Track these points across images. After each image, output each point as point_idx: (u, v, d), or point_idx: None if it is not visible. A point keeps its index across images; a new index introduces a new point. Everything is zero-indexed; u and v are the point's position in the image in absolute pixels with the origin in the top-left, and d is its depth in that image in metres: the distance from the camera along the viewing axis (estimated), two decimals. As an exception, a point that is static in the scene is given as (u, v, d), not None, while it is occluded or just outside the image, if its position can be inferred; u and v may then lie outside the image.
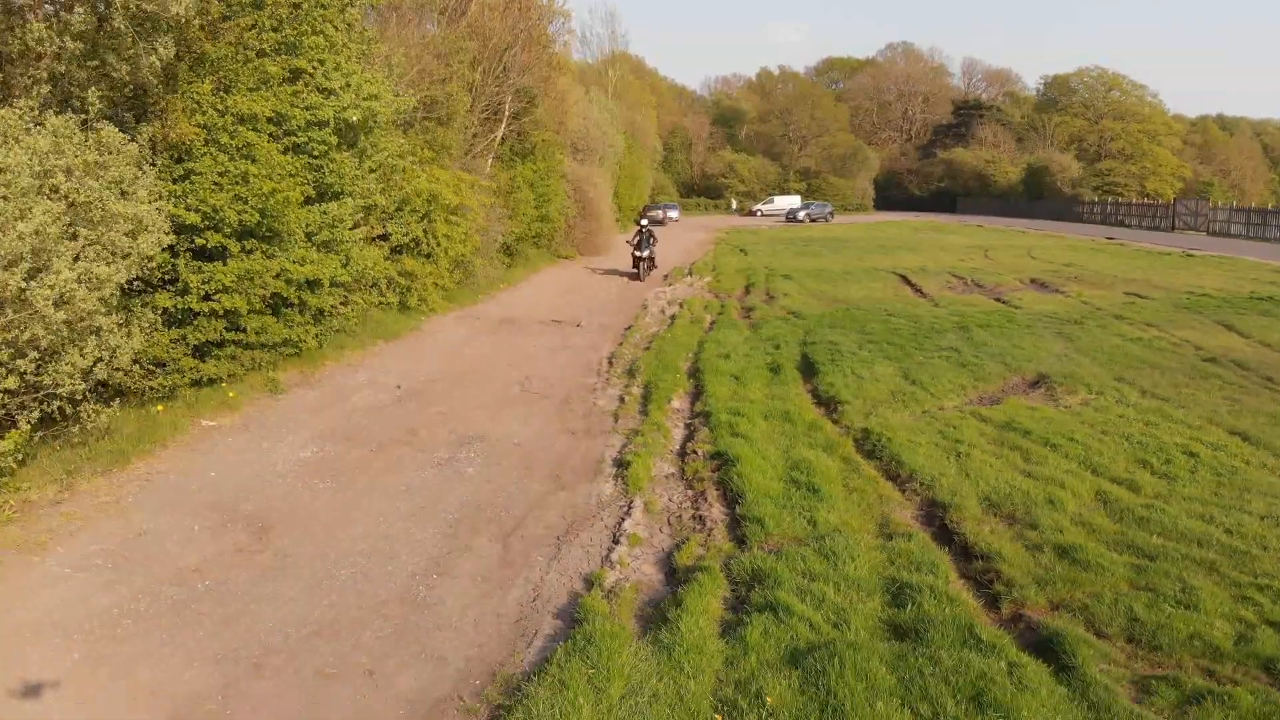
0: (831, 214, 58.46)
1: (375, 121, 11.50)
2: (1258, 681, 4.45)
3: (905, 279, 22.00)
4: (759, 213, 63.42)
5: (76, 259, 6.52)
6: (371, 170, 11.97)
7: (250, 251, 9.57)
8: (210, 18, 8.98)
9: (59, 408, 6.83)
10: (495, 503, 7.20)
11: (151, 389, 8.70)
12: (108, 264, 6.74)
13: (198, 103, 9.25)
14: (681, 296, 19.35)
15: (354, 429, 9.05)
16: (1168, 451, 7.92)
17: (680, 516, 6.94)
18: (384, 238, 14.06)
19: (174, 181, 9.00)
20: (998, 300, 18.33)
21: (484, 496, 7.33)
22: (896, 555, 5.88)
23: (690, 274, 23.98)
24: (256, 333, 9.78)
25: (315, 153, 10.43)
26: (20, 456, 6.66)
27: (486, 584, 5.79)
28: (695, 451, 8.27)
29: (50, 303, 6.03)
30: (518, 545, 6.40)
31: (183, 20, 8.15)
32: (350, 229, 11.16)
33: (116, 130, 7.47)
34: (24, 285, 5.90)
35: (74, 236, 6.70)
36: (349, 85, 10.81)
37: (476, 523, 6.78)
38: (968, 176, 74.19)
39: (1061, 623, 4.99)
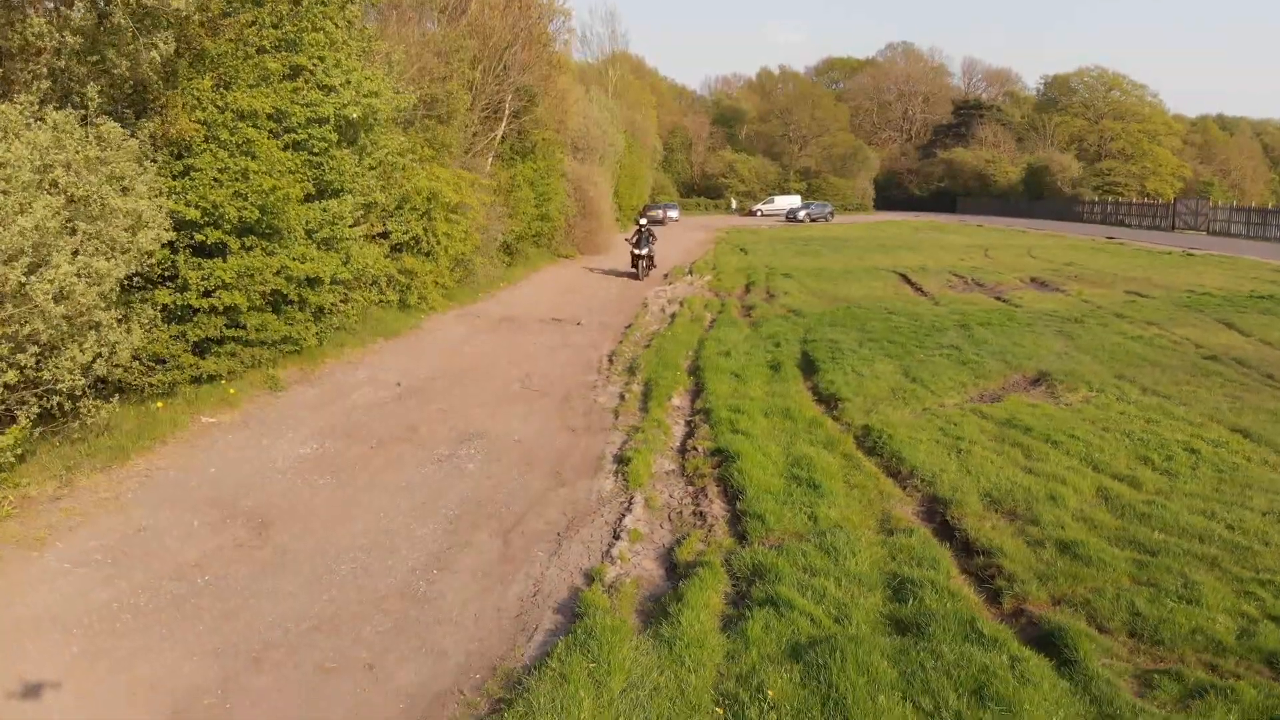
0: (831, 214, 58.45)
1: (375, 119, 11.49)
2: (1260, 676, 4.43)
3: (905, 278, 21.99)
4: (759, 212, 63.40)
5: (76, 254, 6.51)
6: (371, 168, 11.96)
7: (250, 248, 9.56)
8: (210, 14, 8.97)
9: (58, 403, 6.82)
10: (496, 499, 7.19)
11: (151, 385, 8.69)
12: (107, 259, 6.73)
13: (198, 99, 9.24)
14: (682, 295, 19.34)
15: (354, 426, 9.04)
16: (1169, 448, 7.90)
17: (681, 512, 6.93)
18: (384, 235, 14.05)
19: (174, 178, 8.99)
20: (998, 299, 18.31)
21: (484, 493, 7.32)
22: (897, 551, 5.87)
23: (690, 273, 23.97)
24: (256, 330, 9.77)
25: (315, 150, 10.42)
26: (20, 452, 6.65)
27: (487, 579, 5.78)
28: (696, 448, 8.26)
29: (50, 297, 6.02)
30: (518, 541, 6.39)
31: (183, 16, 8.14)
32: (350, 226, 11.15)
33: (117, 126, 7.47)
34: (24, 279, 5.90)
35: (73, 231, 6.69)
36: (349, 82, 10.80)
37: (477, 519, 6.77)
38: (968, 176, 74.19)
39: (1063, 617, 4.98)
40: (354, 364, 11.72)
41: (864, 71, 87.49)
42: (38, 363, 6.38)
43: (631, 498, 7.08)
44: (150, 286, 8.82)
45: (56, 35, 7.35)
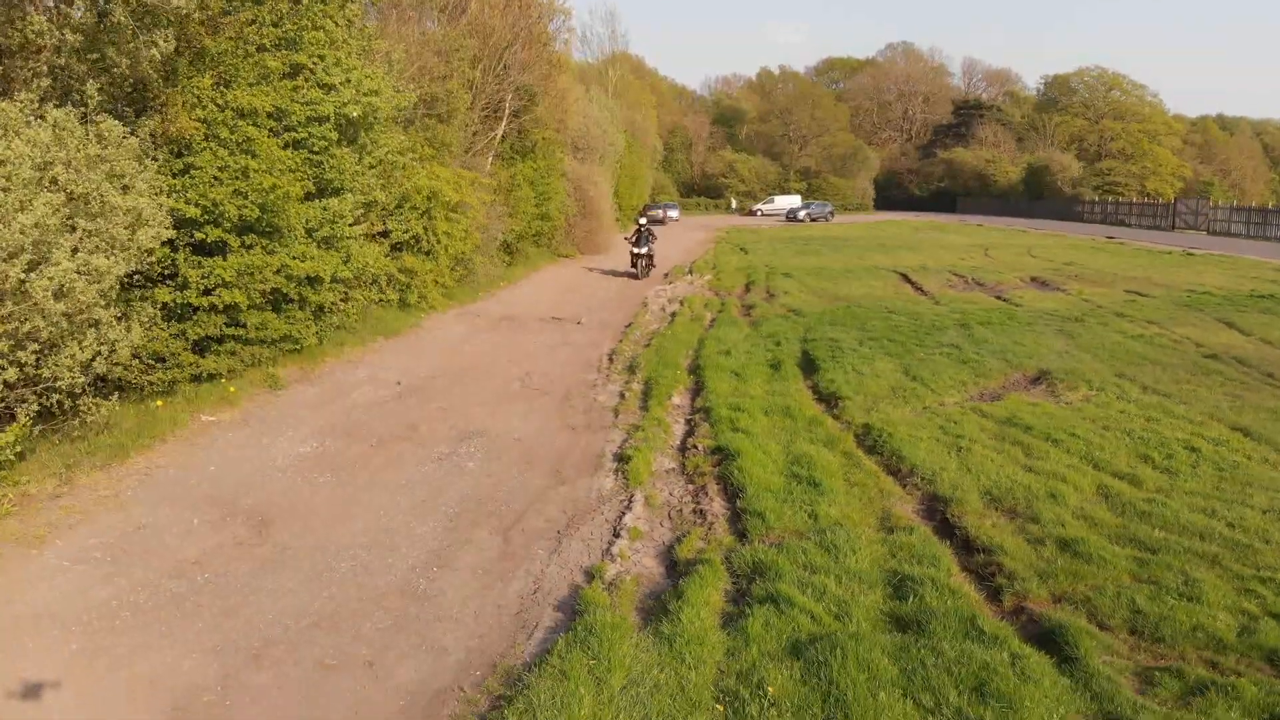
0: (832, 213, 58.44)
1: (375, 117, 11.48)
2: (1261, 673, 4.43)
3: (906, 277, 21.98)
4: (759, 212, 63.38)
5: (75, 251, 6.50)
6: (371, 166, 11.95)
7: (250, 247, 9.56)
8: (210, 12, 8.97)
9: (58, 401, 6.82)
10: (496, 497, 7.19)
11: (151, 384, 8.68)
12: (107, 256, 6.73)
13: (198, 97, 9.24)
14: (682, 294, 19.33)
15: (354, 424, 9.04)
16: (1169, 447, 7.90)
17: (681, 510, 6.92)
18: (384, 234, 14.05)
19: (174, 176, 8.98)
20: (998, 298, 18.31)
21: (484, 491, 7.31)
22: (898, 548, 5.87)
23: (690, 272, 23.96)
24: (257, 328, 9.76)
25: (315, 148, 10.41)
26: (20, 450, 6.64)
27: (487, 576, 5.78)
28: (696, 446, 8.25)
29: (49, 294, 6.02)
30: (518, 538, 6.39)
31: (183, 14, 8.15)
32: (350, 225, 11.14)
33: (117, 124, 7.46)
34: (24, 277, 5.89)
35: (73, 229, 6.68)
36: (349, 81, 10.79)
37: (477, 516, 6.76)
38: (968, 176, 74.17)
39: (1064, 615, 4.97)
40: (354, 363, 11.71)
41: (864, 71, 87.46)
42: (37, 360, 6.37)
43: (632, 496, 7.08)
44: (150, 285, 8.81)
45: (56, 33, 7.35)
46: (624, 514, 6.71)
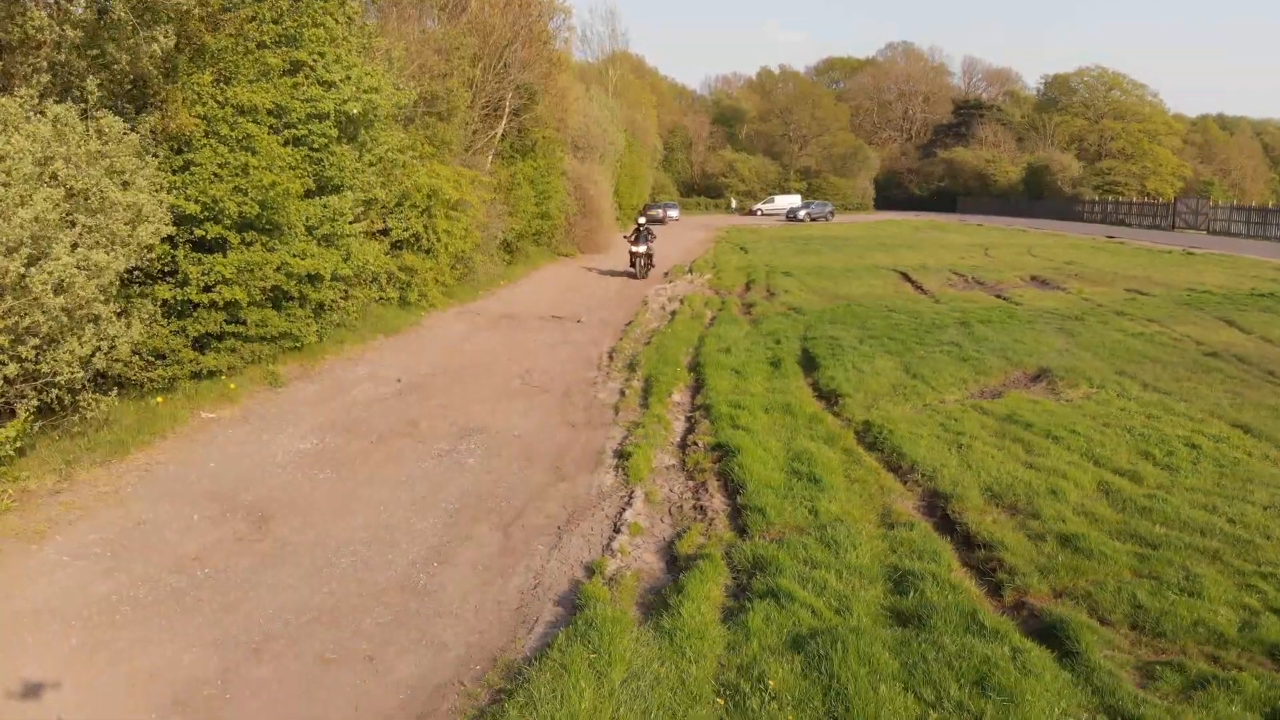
0: (832, 213, 58.41)
1: (375, 115, 11.48)
2: (1262, 667, 4.43)
3: (906, 276, 21.98)
4: (759, 212, 63.36)
5: (75, 246, 6.49)
6: (371, 164, 11.95)
7: (250, 244, 9.55)
8: (210, 9, 8.95)
9: (57, 397, 6.81)
10: (496, 493, 7.18)
11: (151, 381, 8.68)
12: (106, 252, 6.72)
13: (198, 94, 9.24)
14: (682, 293, 19.33)
15: (354, 421, 9.03)
16: (1170, 443, 7.90)
17: (681, 506, 6.92)
18: (384, 233, 14.05)
19: (174, 172, 8.97)
20: (999, 297, 18.31)
21: (484, 487, 7.31)
22: (898, 544, 5.86)
23: (691, 271, 23.96)
24: (257, 325, 9.76)
25: (315, 145, 10.41)
26: (19, 446, 6.64)
27: (487, 572, 5.77)
28: (696, 443, 8.25)
29: (49, 289, 6.01)
30: (518, 534, 6.38)
31: (183, 10, 8.14)
32: (350, 223, 11.14)
33: (118, 119, 7.46)
34: (24, 271, 5.89)
35: (73, 224, 6.68)
36: (349, 78, 10.79)
37: (477, 512, 6.76)
38: (968, 176, 74.13)
39: (1065, 610, 4.97)
40: (354, 360, 11.71)
41: (864, 71, 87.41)
42: (37, 355, 6.37)
43: (632, 492, 7.08)
44: (150, 281, 8.80)
45: (57, 29, 7.35)
46: (624, 510, 6.71)
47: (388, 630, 5.02)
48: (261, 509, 6.68)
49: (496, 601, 5.39)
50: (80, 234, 6.65)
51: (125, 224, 7.17)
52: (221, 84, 9.52)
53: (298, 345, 10.74)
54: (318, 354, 11.32)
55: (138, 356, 8.31)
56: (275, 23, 10.05)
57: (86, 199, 6.82)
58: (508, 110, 22.27)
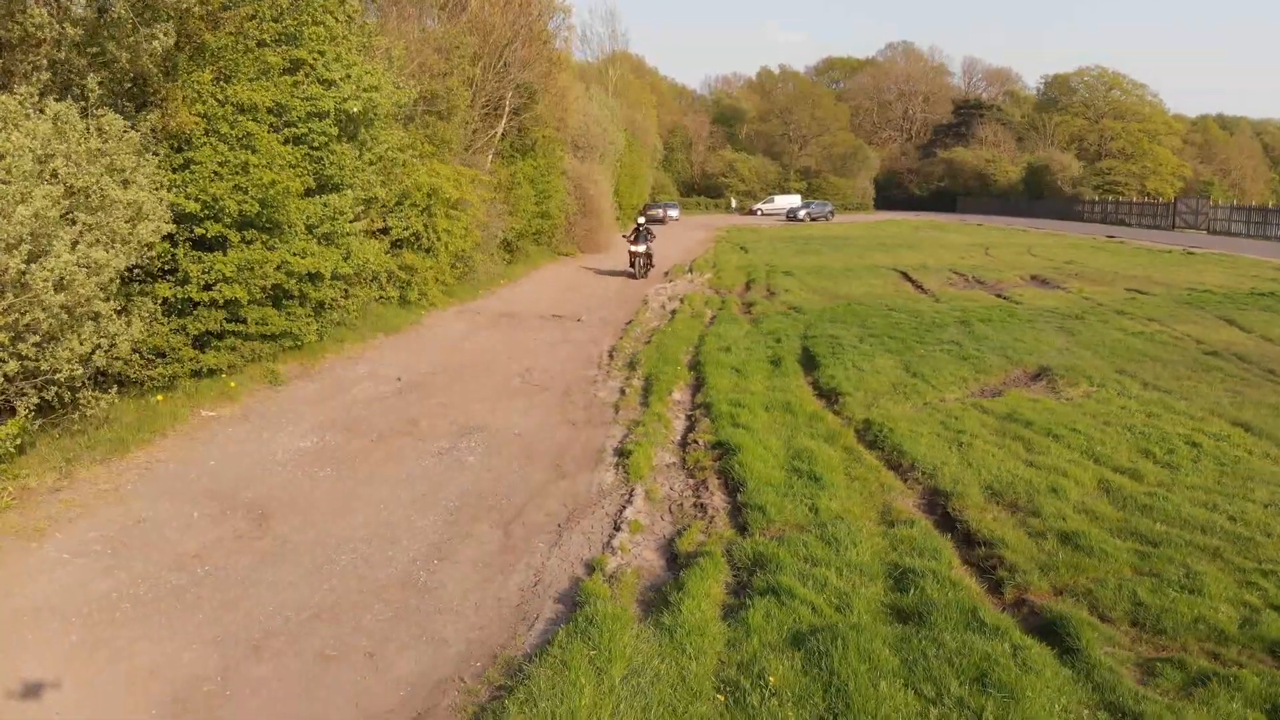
0: (832, 213, 58.41)
1: (375, 113, 11.47)
2: (1263, 664, 4.43)
3: (906, 276, 21.98)
4: (759, 212, 63.38)
5: (75, 244, 6.49)
6: (371, 163, 11.95)
7: (250, 242, 9.55)
8: (210, 7, 8.94)
9: (57, 394, 6.81)
10: (496, 491, 7.18)
11: (151, 379, 8.68)
12: (106, 249, 6.72)
13: (198, 92, 9.23)
14: (682, 292, 19.33)
15: (354, 420, 9.03)
16: (1170, 442, 7.89)
17: (682, 504, 6.92)
18: (384, 231, 14.05)
19: (174, 170, 8.97)
20: (999, 296, 18.31)
21: (485, 485, 7.31)
22: (899, 541, 5.86)
23: (691, 271, 23.96)
24: (257, 324, 9.75)
25: (315, 144, 10.41)
26: (19, 443, 6.63)
27: (488, 569, 5.77)
28: (696, 441, 8.24)
29: (50, 286, 6.01)
30: (519, 532, 6.38)
31: (183, 8, 8.14)
32: (351, 222, 11.13)
33: (118, 117, 7.46)
34: (24, 268, 5.88)
35: (73, 222, 6.68)
36: (349, 76, 10.78)
37: (477, 510, 6.75)
38: (968, 176, 74.14)
39: (1065, 607, 4.97)
40: (354, 359, 11.71)
41: (864, 71, 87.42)
42: (37, 353, 6.37)
43: (632, 490, 7.07)
44: (150, 280, 8.80)
45: (57, 26, 7.34)
46: (625, 508, 6.71)
47: (388, 627, 5.02)
48: (262, 507, 6.68)
49: (497, 598, 5.39)
50: (81, 232, 6.64)
51: (125, 222, 7.17)
52: (221, 82, 9.52)
53: (298, 344, 10.73)
54: (318, 353, 11.32)
55: (138, 355, 8.31)
56: (275, 21, 10.05)
57: (87, 197, 6.82)
58: (508, 109, 22.27)
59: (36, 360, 6.36)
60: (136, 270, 8.24)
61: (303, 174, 10.09)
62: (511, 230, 21.22)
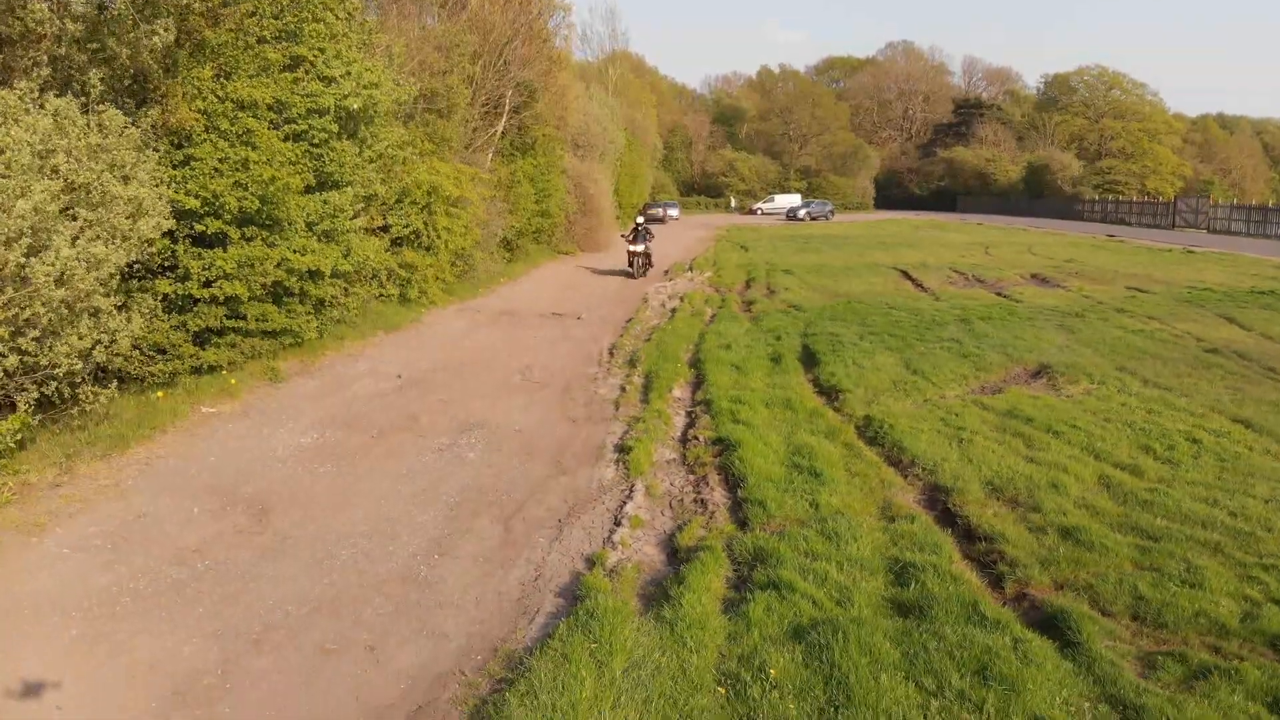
0: (832, 212, 58.38)
1: (375, 111, 11.47)
2: (1264, 658, 4.42)
3: (906, 274, 21.97)
4: (759, 211, 63.36)
5: (75, 239, 6.49)
6: (371, 160, 11.95)
7: (250, 239, 9.55)
8: (211, 3, 8.93)
9: (57, 390, 6.81)
10: (497, 486, 7.18)
11: (152, 375, 8.68)
12: (106, 245, 6.71)
13: (198, 88, 9.23)
14: (682, 291, 19.33)
15: (355, 416, 9.03)
16: (1171, 438, 7.89)
17: (682, 500, 6.92)
18: (384, 229, 14.05)
19: (174, 167, 8.98)
20: (999, 294, 18.30)
21: (485, 481, 7.30)
22: (899, 536, 5.86)
23: (691, 269, 23.96)
24: (257, 321, 9.75)
25: (315, 140, 10.41)
26: (20, 439, 6.63)
27: (488, 564, 5.77)
28: (697, 437, 8.24)
29: (50, 280, 6.00)
30: (519, 527, 6.38)
31: (183, 4, 8.14)
32: (351, 219, 11.13)
33: (119, 113, 7.45)
34: (23, 262, 5.88)
35: (74, 218, 6.68)
36: (349, 73, 10.78)
37: (478, 505, 6.75)
38: (968, 175, 74.10)
39: (1066, 601, 4.97)
40: (354, 356, 11.70)
41: (864, 70, 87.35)
42: (37, 347, 6.36)
43: (632, 485, 7.07)
44: (151, 276, 8.81)
45: (57, 22, 7.33)
46: (625, 503, 6.70)
47: (388, 621, 5.02)
48: (262, 502, 6.67)
49: (497, 593, 5.39)
50: (81, 227, 6.64)
51: (126, 218, 7.17)
52: (222, 79, 9.52)
53: (298, 341, 10.73)
54: (318, 350, 11.31)
55: (138, 351, 8.31)
56: (275, 18, 10.05)
57: (88, 192, 6.82)
58: (508, 108, 22.27)
59: (36, 355, 6.36)
60: (137, 266, 8.24)
61: (303, 171, 10.10)
62: (511, 228, 21.22)
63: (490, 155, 21.71)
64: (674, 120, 71.43)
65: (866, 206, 72.51)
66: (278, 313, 10.07)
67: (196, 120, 9.11)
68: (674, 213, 52.85)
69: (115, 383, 7.70)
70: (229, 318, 9.50)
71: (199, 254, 9.20)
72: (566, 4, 26.66)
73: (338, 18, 10.95)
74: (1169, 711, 3.90)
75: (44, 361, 6.45)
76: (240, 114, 9.46)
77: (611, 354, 12.52)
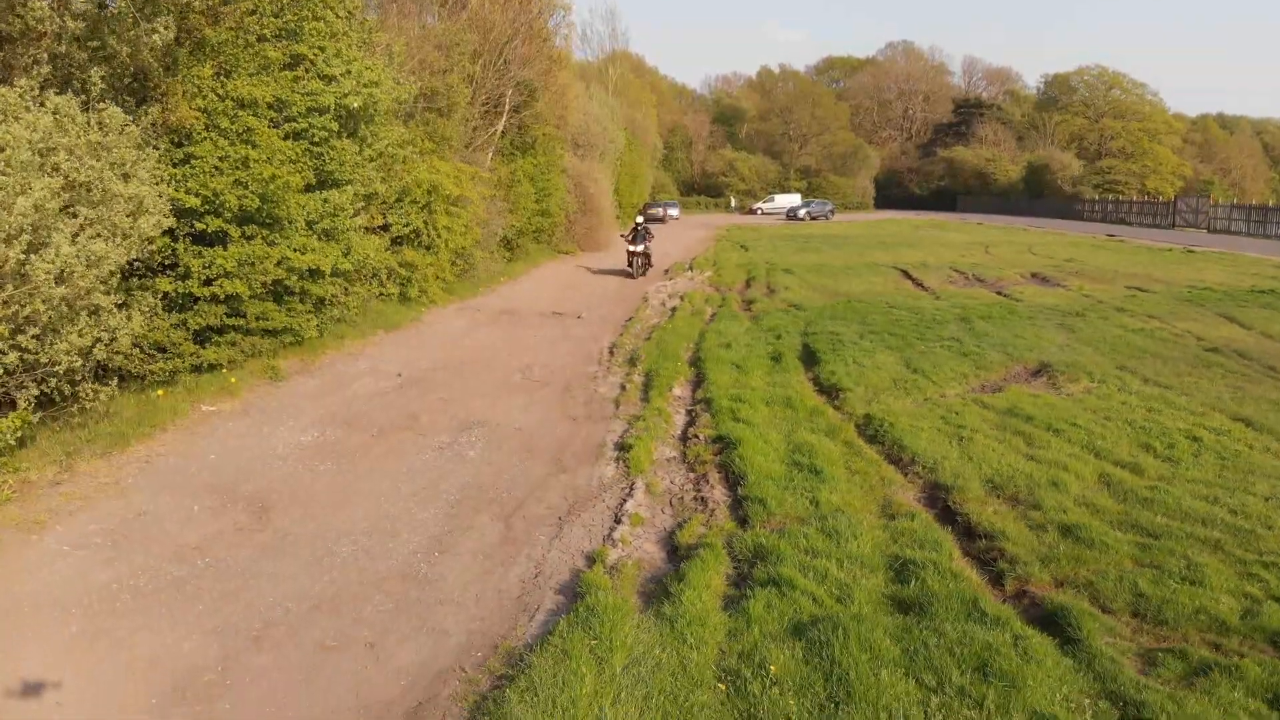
0: (832, 212, 58.37)
1: (376, 109, 11.48)
2: (1264, 654, 4.42)
3: (906, 274, 21.97)
4: (759, 211, 63.35)
5: (76, 237, 6.49)
6: (371, 159, 11.95)
7: (251, 237, 9.55)
8: (211, 1, 8.95)
9: (57, 388, 6.81)
10: (497, 484, 7.18)
11: (152, 373, 8.68)
12: (106, 242, 6.72)
13: (198, 87, 9.24)
14: (682, 290, 19.33)
15: (355, 415, 9.03)
16: (1171, 436, 7.89)
17: (682, 498, 6.92)
18: (384, 228, 14.04)
19: (174, 165, 8.98)
20: (999, 294, 18.30)
21: (485, 478, 7.30)
22: (899, 534, 5.86)
23: (691, 269, 23.96)
24: (257, 319, 9.76)
25: (315, 139, 10.41)
26: (20, 437, 6.64)
27: (488, 561, 5.77)
28: (697, 436, 8.24)
29: (51, 278, 6.00)
30: (519, 524, 6.38)
31: (183, 3, 8.14)
32: (351, 218, 11.13)
33: (119, 111, 7.45)
34: (23, 259, 5.88)
35: (74, 215, 6.68)
36: (349, 72, 10.79)
37: (478, 503, 6.75)
38: (968, 175, 74.09)
39: (1066, 598, 4.96)
40: (354, 355, 11.70)
41: (864, 70, 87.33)
42: (37, 345, 6.36)
43: (633, 483, 7.07)
44: (151, 274, 8.81)
45: (58, 20, 7.33)
46: (625, 501, 6.70)
47: (388, 618, 5.02)
48: (262, 500, 6.68)
49: (498, 590, 5.39)
50: (82, 225, 6.64)
51: (126, 216, 7.17)
52: (222, 77, 9.53)
53: (298, 340, 10.74)
54: (318, 349, 11.31)
55: (138, 349, 8.31)
56: (276, 16, 10.05)
57: (88, 190, 6.82)
58: (508, 107, 22.27)
59: (37, 353, 6.36)
60: (137, 265, 8.24)
61: (303, 169, 10.10)
62: (511, 228, 21.22)
63: (490, 154, 21.71)
64: (674, 120, 71.42)
65: (866, 206, 72.49)
66: (278, 311, 10.07)
67: (197, 118, 9.12)
68: (674, 212, 52.84)
69: (115, 381, 7.71)
70: (229, 316, 9.51)
71: (199, 252, 9.20)
72: (566, 3, 26.67)
73: (338, 16, 10.95)
74: (1169, 708, 3.89)
75: (44, 359, 6.45)
76: (240, 112, 9.47)
77: (612, 353, 12.52)
